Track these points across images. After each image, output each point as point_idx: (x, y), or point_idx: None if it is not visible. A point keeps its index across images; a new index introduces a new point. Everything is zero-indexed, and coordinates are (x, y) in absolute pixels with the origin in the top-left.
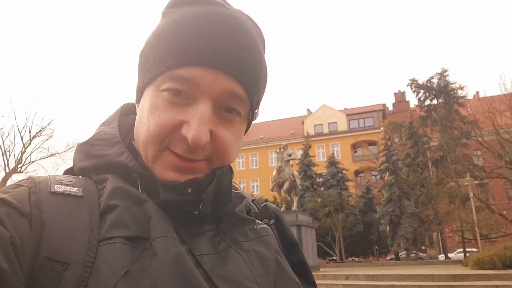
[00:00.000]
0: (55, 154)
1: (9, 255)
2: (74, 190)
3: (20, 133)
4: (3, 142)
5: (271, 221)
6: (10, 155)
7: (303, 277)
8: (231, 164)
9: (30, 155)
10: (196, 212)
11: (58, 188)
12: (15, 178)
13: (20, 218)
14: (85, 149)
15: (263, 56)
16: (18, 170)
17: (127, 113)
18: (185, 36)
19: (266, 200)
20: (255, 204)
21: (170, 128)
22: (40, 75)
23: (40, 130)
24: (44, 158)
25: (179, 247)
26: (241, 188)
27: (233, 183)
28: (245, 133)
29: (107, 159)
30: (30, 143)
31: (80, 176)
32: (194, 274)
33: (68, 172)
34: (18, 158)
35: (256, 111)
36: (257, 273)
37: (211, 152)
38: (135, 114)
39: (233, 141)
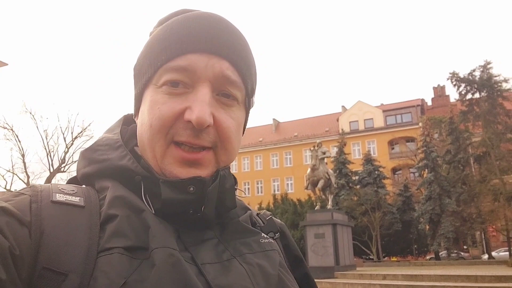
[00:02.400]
0: None
1: (8, 265)
2: (75, 199)
3: (63, 134)
4: (48, 143)
5: (276, 234)
6: (54, 156)
7: None
8: (235, 165)
9: (72, 155)
10: (199, 214)
11: (59, 197)
12: (59, 177)
13: (20, 227)
14: (87, 155)
15: (249, 46)
16: (62, 169)
17: (130, 122)
18: (175, 31)
19: (271, 215)
20: (260, 218)
21: (172, 118)
22: (40, 75)
23: (81, 131)
24: None
25: (179, 257)
26: (246, 193)
27: (238, 190)
28: (245, 125)
29: (110, 163)
30: (72, 144)
31: (83, 185)
32: (194, 284)
33: (71, 181)
34: (62, 158)
35: (252, 99)
36: (259, 287)
37: (215, 138)
38: (135, 123)
39: (235, 126)
